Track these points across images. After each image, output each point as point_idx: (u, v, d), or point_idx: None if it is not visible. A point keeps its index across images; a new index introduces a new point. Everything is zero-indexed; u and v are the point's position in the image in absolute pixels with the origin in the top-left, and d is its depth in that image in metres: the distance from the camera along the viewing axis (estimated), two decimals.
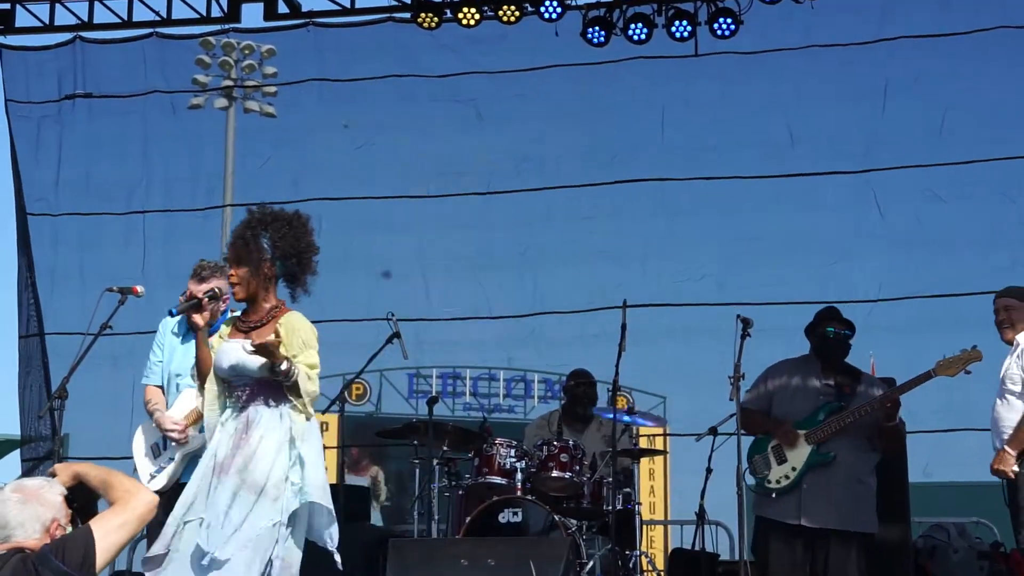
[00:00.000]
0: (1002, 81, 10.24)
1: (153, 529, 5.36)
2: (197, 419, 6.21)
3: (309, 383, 5.15)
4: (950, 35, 9.95)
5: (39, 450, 10.43)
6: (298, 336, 5.22)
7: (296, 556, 5.13)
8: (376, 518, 14.62)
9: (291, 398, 5.17)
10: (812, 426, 6.71)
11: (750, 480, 6.94)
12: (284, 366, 5.06)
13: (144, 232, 10.78)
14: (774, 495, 6.74)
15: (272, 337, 5.04)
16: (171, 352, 6.48)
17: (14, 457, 10.82)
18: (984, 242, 10.05)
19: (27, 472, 10.52)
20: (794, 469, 6.68)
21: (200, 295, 5.32)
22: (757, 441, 6.93)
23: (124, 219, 10.88)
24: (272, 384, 5.20)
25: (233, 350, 5.24)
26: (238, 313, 5.58)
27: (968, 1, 10.04)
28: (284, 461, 5.10)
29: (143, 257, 10.62)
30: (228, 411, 5.29)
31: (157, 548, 5.10)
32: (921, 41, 10.02)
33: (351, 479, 14.40)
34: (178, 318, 6.58)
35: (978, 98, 10.26)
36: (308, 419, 5.22)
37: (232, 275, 5.32)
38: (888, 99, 10.17)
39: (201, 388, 5.41)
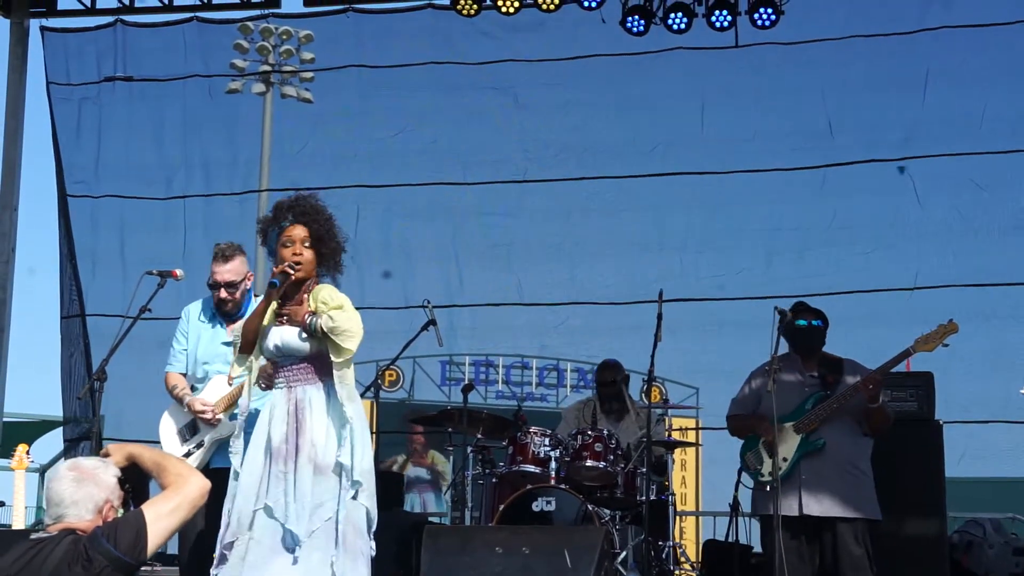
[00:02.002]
0: None
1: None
2: (228, 406, 6.24)
3: (334, 322, 5.19)
4: (991, 25, 9.87)
5: (79, 430, 10.54)
6: (320, 297, 5.32)
7: (362, 515, 5.23)
8: (436, 505, 14.67)
9: (331, 354, 5.22)
10: (800, 416, 6.71)
11: (746, 478, 6.98)
12: (308, 320, 5.20)
13: (185, 216, 10.84)
14: (769, 488, 6.73)
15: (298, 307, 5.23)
16: (196, 339, 6.49)
17: (55, 436, 10.93)
18: (1023, 233, 9.99)
19: (66, 452, 10.63)
20: (785, 460, 6.68)
21: (288, 269, 5.36)
22: (747, 440, 6.94)
23: (164, 202, 10.95)
24: (319, 364, 5.29)
25: (277, 332, 5.34)
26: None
27: None
28: (336, 439, 5.20)
29: (183, 241, 10.68)
30: (276, 391, 5.37)
31: (228, 536, 5.18)
32: (962, 31, 9.94)
33: (414, 470, 14.54)
34: (198, 305, 6.59)
35: (1019, 88, 10.18)
36: (349, 367, 5.28)
37: (300, 253, 5.37)
38: (929, 89, 10.10)
39: (243, 354, 5.43)
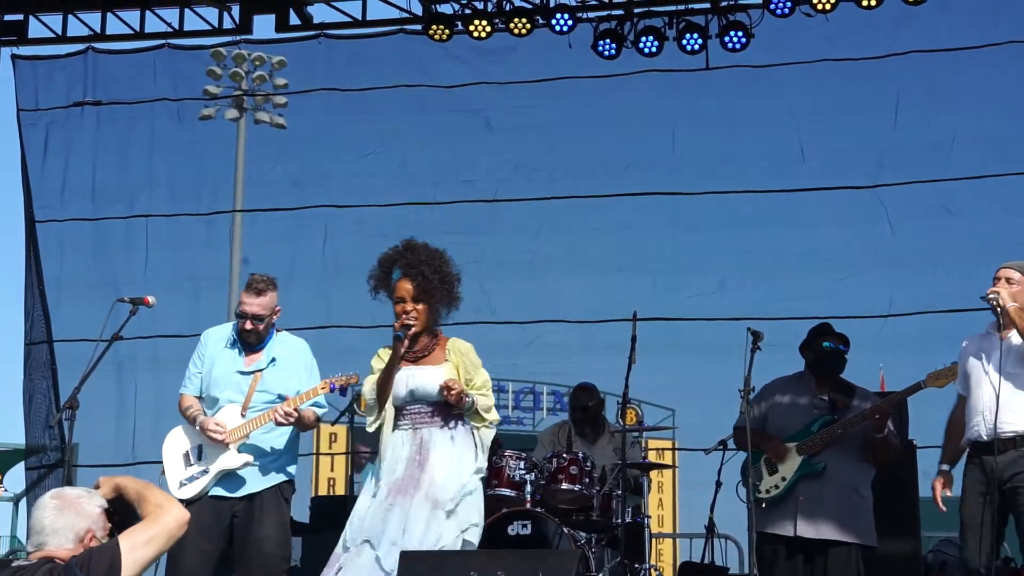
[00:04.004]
0: (1013, 96, 10.23)
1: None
2: (240, 438, 6.20)
3: (483, 399, 5.64)
4: (961, 49, 9.94)
5: (46, 459, 10.43)
6: (469, 359, 5.73)
7: None
8: None
9: (469, 419, 5.64)
10: (804, 438, 6.71)
11: (744, 493, 6.97)
12: (466, 403, 5.56)
13: (147, 237, 10.81)
14: (764, 505, 6.74)
15: (455, 388, 5.51)
16: (212, 364, 6.44)
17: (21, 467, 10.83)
18: (995, 258, 9.98)
19: (39, 481, 10.52)
20: (784, 479, 6.69)
21: (411, 321, 5.64)
22: (750, 455, 6.94)
23: (128, 225, 10.92)
24: (444, 408, 5.60)
25: (407, 375, 5.60)
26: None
27: (980, 16, 10.04)
28: (463, 478, 5.53)
29: (145, 262, 10.65)
30: (400, 432, 5.61)
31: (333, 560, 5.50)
32: (932, 56, 10.01)
33: None
34: (220, 329, 6.55)
35: (989, 113, 10.25)
36: (487, 428, 5.72)
37: (413, 310, 5.63)
38: (899, 114, 10.16)
39: (381, 407, 5.66)
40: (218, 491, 6.22)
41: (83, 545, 3.99)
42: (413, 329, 5.59)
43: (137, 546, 3.98)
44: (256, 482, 6.24)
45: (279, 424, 6.17)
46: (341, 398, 6.44)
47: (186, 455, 6.33)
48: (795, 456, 6.69)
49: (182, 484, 6.22)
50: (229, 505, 6.18)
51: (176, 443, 6.38)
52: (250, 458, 6.17)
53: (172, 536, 4.09)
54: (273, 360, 6.35)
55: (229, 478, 6.21)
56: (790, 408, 6.83)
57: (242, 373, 6.35)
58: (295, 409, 6.12)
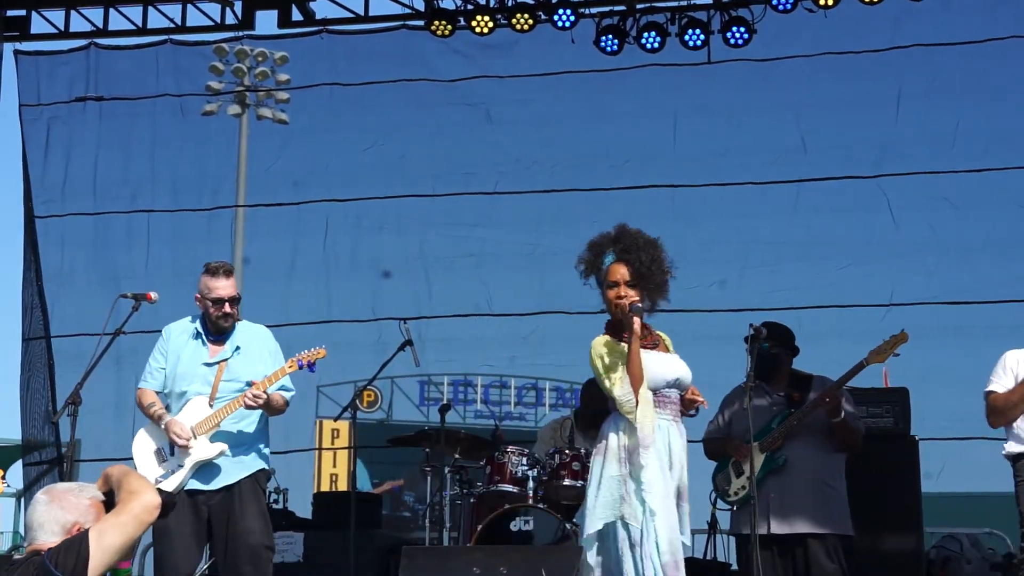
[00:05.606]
0: (1015, 90, 10.23)
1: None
2: (210, 428, 6.19)
3: None
4: (964, 43, 9.94)
5: (44, 455, 10.44)
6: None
7: None
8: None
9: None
10: (765, 435, 6.73)
11: (719, 500, 7.01)
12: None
13: (149, 232, 10.83)
14: (735, 508, 6.76)
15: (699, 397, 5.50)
16: (177, 358, 6.41)
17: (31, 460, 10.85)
18: (997, 250, 10.03)
19: (34, 478, 10.54)
20: (749, 479, 6.69)
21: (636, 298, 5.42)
22: (720, 462, 6.96)
23: (130, 221, 10.94)
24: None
25: (668, 363, 5.44)
26: None
27: (982, 10, 10.03)
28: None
29: (146, 257, 10.67)
30: (663, 422, 5.36)
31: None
32: (935, 49, 10.01)
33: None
34: (181, 323, 6.52)
35: (991, 106, 10.25)
36: None
37: (624, 295, 5.42)
38: (901, 106, 10.16)
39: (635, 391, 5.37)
40: (193, 484, 6.21)
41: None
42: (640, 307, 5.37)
43: (104, 532, 3.98)
44: (231, 472, 6.23)
45: (248, 408, 6.16)
46: (311, 374, 6.33)
47: (158, 452, 6.29)
48: (759, 455, 6.70)
49: (158, 481, 6.18)
50: (205, 498, 6.18)
51: (145, 443, 6.34)
52: (225, 447, 6.16)
53: (142, 521, 4.07)
54: (237, 348, 6.34)
55: (204, 470, 6.20)
56: (753, 413, 6.82)
57: (207, 364, 6.33)
58: (264, 391, 6.11)
